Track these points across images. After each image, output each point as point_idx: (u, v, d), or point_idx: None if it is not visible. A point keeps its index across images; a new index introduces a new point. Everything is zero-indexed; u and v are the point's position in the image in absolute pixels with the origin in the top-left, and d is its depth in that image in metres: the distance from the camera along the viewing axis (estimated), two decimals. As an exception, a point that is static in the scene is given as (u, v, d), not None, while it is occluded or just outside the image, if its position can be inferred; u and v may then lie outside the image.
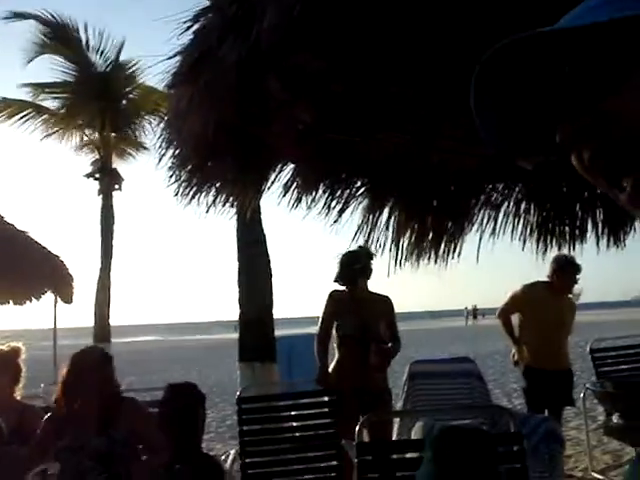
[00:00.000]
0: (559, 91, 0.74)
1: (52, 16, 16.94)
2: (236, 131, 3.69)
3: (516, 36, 0.71)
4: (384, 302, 5.70)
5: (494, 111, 0.78)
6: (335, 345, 5.62)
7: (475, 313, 73.57)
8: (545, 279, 6.23)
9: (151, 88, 15.91)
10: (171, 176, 3.82)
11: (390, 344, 5.46)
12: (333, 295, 5.66)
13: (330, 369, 5.53)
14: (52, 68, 17.60)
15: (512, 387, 12.53)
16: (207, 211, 4.11)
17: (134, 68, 17.99)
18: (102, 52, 17.88)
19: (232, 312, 8.76)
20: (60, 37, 17.23)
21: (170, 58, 2.93)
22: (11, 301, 7.66)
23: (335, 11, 2.52)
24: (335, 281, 5.63)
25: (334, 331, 5.56)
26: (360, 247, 5.27)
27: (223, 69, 2.59)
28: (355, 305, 5.50)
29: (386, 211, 4.89)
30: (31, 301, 7.39)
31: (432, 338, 32.60)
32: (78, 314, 15.91)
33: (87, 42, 17.64)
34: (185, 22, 2.70)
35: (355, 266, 5.49)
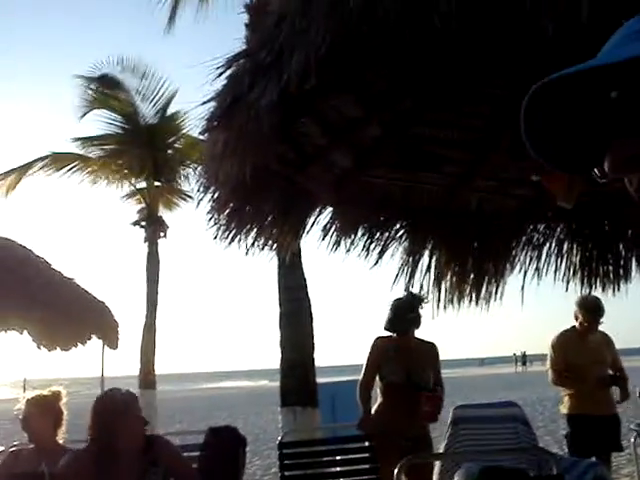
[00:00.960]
0: (606, 116, 0.75)
1: (113, 62, 17.33)
2: (273, 175, 3.74)
3: (565, 72, 0.72)
4: (430, 349, 5.68)
5: (544, 134, 0.79)
6: (378, 391, 5.58)
7: (524, 359, 72.19)
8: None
9: (195, 138, 16.09)
10: (210, 220, 3.87)
11: (438, 389, 5.41)
12: (378, 342, 5.63)
13: (372, 412, 5.49)
14: (101, 120, 18.04)
15: (563, 434, 12.19)
16: (246, 254, 4.14)
17: (181, 119, 18.31)
18: (153, 101, 18.24)
19: (276, 359, 8.76)
20: (111, 90, 17.67)
21: (204, 104, 2.99)
22: (58, 347, 7.76)
23: (364, 51, 2.55)
24: (386, 329, 5.60)
25: (377, 378, 5.53)
26: (412, 294, 5.23)
27: (255, 113, 2.63)
28: (400, 353, 5.48)
29: (426, 253, 4.87)
30: (76, 346, 7.49)
31: (480, 385, 32.03)
32: (124, 362, 16.04)
33: (141, 90, 17.99)
34: (218, 68, 2.77)
35: (409, 315, 5.47)
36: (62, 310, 7.33)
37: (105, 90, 17.59)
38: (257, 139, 2.83)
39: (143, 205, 18.50)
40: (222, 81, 2.83)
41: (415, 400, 5.21)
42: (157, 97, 18.15)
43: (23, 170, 17.06)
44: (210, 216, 3.86)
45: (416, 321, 5.51)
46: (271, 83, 2.50)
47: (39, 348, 7.50)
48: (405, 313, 5.45)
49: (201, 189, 3.69)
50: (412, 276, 4.85)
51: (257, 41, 2.75)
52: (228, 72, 2.79)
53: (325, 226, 4.48)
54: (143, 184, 18.59)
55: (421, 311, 5.44)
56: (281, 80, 2.43)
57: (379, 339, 5.64)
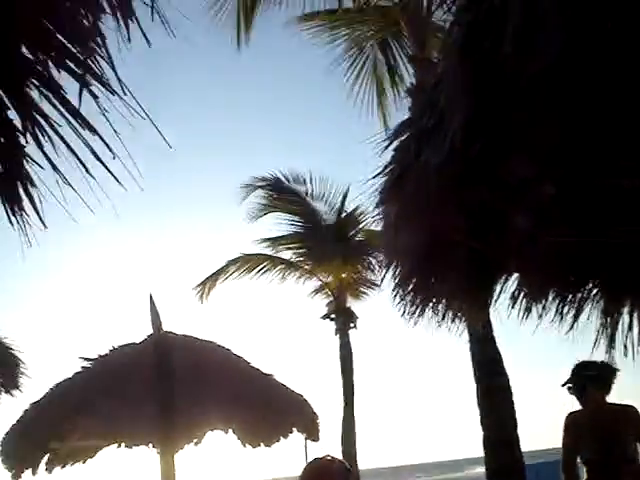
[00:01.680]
0: None
1: (275, 177, 18.38)
2: (453, 245, 3.72)
3: None
4: (627, 412, 5.24)
5: None
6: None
7: None
8: None
9: (376, 231, 16.29)
10: (395, 296, 3.89)
11: None
12: (569, 418, 5.34)
13: None
14: (280, 222, 18.93)
15: None
16: (438, 327, 4.10)
17: (359, 212, 18.78)
18: (326, 200, 18.95)
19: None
20: (284, 195, 18.62)
21: (374, 177, 3.06)
22: (262, 443, 7.98)
23: (527, 108, 2.52)
24: (563, 385, 5.30)
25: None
26: (602, 362, 4.97)
27: (425, 179, 2.66)
28: (593, 425, 5.15)
29: (625, 311, 4.60)
30: (279, 441, 7.66)
31: None
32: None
33: (311, 193, 18.81)
34: (385, 140, 2.83)
35: (585, 373, 5.16)
36: (264, 406, 7.58)
37: (277, 195, 18.59)
38: (428, 206, 2.85)
39: (331, 298, 18.91)
40: (389, 153, 2.90)
41: (616, 475, 4.88)
42: (330, 197, 18.90)
43: (218, 274, 18.18)
44: (395, 293, 3.89)
45: (594, 380, 5.15)
46: (436, 148, 2.52)
47: (244, 446, 7.74)
48: (581, 371, 5.17)
49: (383, 266, 3.73)
50: (613, 338, 4.58)
51: (418, 107, 2.80)
52: (395, 144, 2.86)
53: (513, 293, 4.36)
54: (330, 277, 19.05)
55: (612, 377, 5.12)
56: (445, 141, 2.45)
57: (570, 415, 5.35)
